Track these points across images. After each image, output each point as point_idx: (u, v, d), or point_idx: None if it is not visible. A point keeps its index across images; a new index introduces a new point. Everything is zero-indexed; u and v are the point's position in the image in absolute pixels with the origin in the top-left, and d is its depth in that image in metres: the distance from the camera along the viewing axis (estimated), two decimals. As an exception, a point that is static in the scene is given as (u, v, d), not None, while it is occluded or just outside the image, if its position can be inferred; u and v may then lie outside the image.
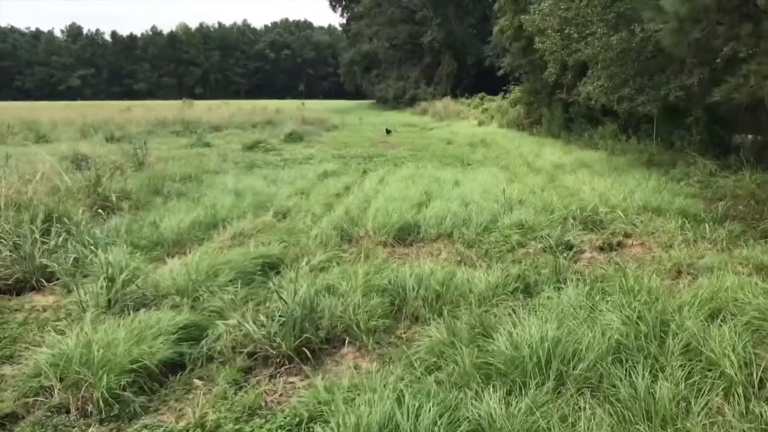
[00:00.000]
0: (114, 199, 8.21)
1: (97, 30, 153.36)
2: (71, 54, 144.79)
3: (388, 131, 28.89)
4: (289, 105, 53.78)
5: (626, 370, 3.45)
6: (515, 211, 8.02)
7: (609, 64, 12.69)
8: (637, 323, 3.99)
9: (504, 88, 35.14)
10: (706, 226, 7.14)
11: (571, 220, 7.81)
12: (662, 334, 3.91)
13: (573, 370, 3.44)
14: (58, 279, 5.65)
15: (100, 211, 7.62)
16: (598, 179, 10.98)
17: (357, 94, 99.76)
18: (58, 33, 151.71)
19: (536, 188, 10.05)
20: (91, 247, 5.87)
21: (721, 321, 4.03)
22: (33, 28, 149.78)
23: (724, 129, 14.92)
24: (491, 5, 69.01)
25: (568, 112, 23.53)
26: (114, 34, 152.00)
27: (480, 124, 34.06)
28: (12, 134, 24.35)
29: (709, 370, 3.52)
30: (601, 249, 6.87)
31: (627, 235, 7.43)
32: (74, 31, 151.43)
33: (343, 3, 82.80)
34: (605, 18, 12.73)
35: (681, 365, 3.52)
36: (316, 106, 57.06)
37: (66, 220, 6.66)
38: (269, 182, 11.06)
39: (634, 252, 6.73)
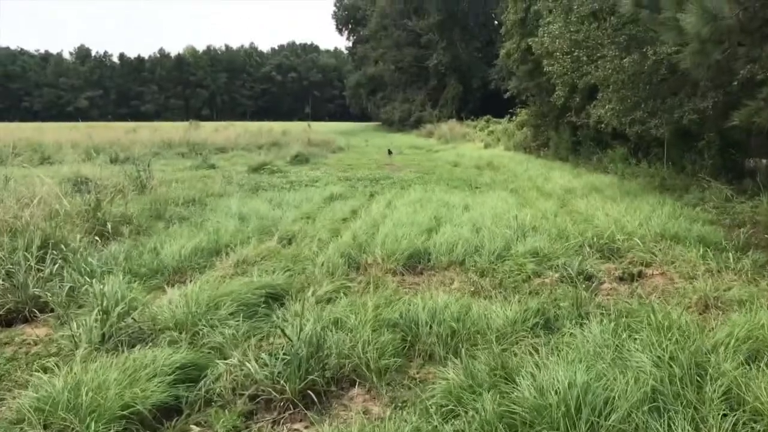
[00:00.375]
0: (114, 224, 7.95)
1: (105, 52, 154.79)
2: (79, 76, 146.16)
3: (390, 152, 28.76)
4: (295, 127, 53.79)
5: (665, 421, 3.13)
6: (529, 238, 7.73)
7: (620, 87, 12.47)
8: (670, 365, 3.68)
9: (511, 110, 35.02)
10: (730, 255, 6.82)
11: (588, 248, 7.51)
12: (698, 378, 3.60)
13: (605, 420, 3.13)
14: (52, 310, 5.38)
15: (97, 237, 7.35)
16: (611, 204, 10.70)
17: (363, 117, 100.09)
18: (66, 55, 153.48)
19: (548, 213, 9.76)
20: (87, 276, 5.60)
21: (766, 365, 3.71)
22: (42, 51, 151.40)
23: (738, 153, 14.67)
24: (497, 29, 69.65)
25: (576, 135, 23.32)
26: (122, 56, 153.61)
27: (486, 146, 33.90)
28: (15, 155, 24.30)
29: (755, 421, 3.21)
30: (621, 279, 6.56)
31: (646, 264, 7.12)
32: (83, 54, 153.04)
33: (350, 26, 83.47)
34: (616, 41, 12.54)
35: (723, 415, 3.21)
36: (322, 128, 57.04)
37: (63, 246, 6.40)
38: (274, 206, 10.81)
39: (656, 282, 6.42)
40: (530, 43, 21.18)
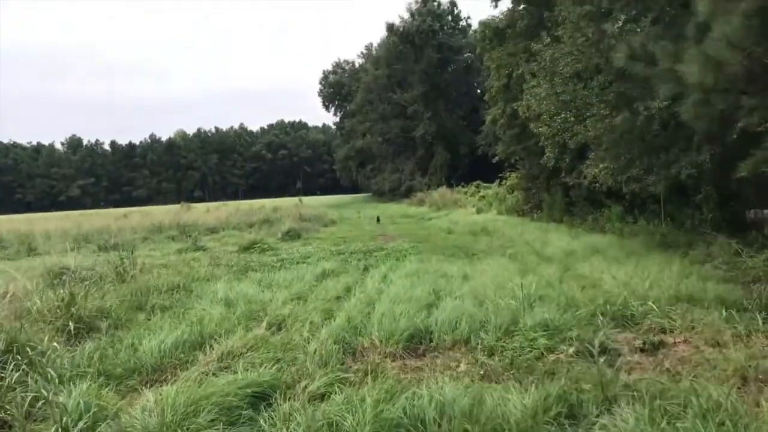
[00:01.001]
0: (90, 319, 7.39)
1: (97, 140, 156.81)
2: (71, 165, 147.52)
3: (378, 219, 29.89)
4: (286, 202, 53.77)
5: None
6: (536, 309, 7.20)
7: (613, 145, 12.23)
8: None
9: (501, 175, 35.00)
10: (757, 316, 6.31)
11: (600, 317, 6.96)
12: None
13: None
14: (11, 426, 4.76)
15: (71, 335, 6.77)
16: (616, 266, 10.22)
17: (353, 189, 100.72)
18: (58, 145, 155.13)
19: (553, 280, 9.26)
20: (54, 382, 5.01)
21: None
22: (34, 142, 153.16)
23: (738, 205, 14.37)
24: (479, 97, 70.99)
25: (569, 196, 23.11)
26: (113, 143, 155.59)
27: (478, 212, 33.65)
28: (2, 248, 23.80)
29: None
30: (642, 350, 6.00)
31: (665, 331, 6.59)
32: (74, 143, 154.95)
33: (336, 102, 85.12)
34: (605, 99, 12.40)
35: None
36: (313, 202, 57.06)
37: (29, 349, 5.81)
38: (264, 287, 10.26)
39: (681, 352, 5.86)
40: (516, 108, 21.26)
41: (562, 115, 13.60)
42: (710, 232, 12.32)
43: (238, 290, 9.64)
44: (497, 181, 38.46)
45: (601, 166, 12.35)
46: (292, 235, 23.45)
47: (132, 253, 12.38)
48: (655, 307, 7.18)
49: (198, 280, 11.19)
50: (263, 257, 16.23)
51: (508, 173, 33.35)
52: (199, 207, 58.05)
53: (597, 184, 14.23)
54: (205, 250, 19.96)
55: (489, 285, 8.97)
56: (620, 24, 10.84)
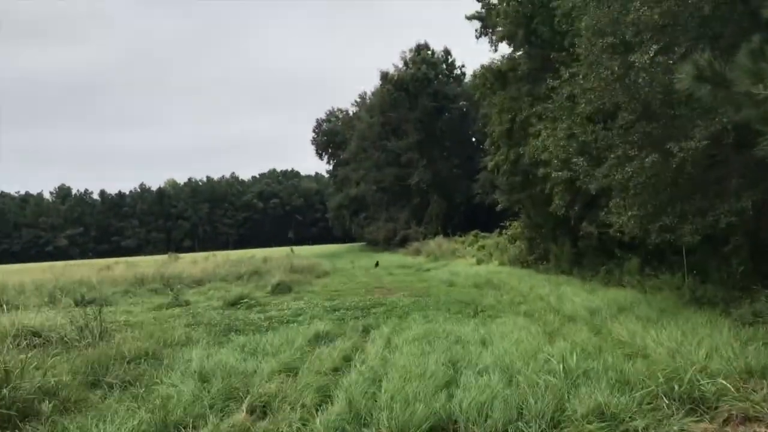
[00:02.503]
0: (27, 402, 5.91)
1: (86, 190, 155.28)
2: (59, 214, 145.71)
3: (377, 264, 27.22)
4: (277, 252, 52.25)
5: None
6: (582, 388, 5.80)
7: (641, 191, 10.99)
8: None
9: (502, 224, 33.80)
10: None
11: (664, 399, 5.56)
12: None
13: None
14: None
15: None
16: (654, 329, 8.83)
17: (347, 238, 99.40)
18: (47, 194, 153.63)
19: (588, 346, 7.84)
20: None
21: None
22: (22, 192, 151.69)
23: (771, 257, 13.10)
24: (475, 146, 70.61)
25: (577, 246, 21.83)
26: (102, 192, 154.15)
27: (479, 262, 32.27)
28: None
29: None
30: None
31: (750, 418, 5.20)
32: (63, 192, 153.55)
33: (329, 150, 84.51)
34: (629, 140, 11.23)
35: None
36: (305, 252, 55.55)
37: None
38: (247, 354, 8.79)
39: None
40: (521, 153, 20.19)
41: (576, 158, 12.39)
42: (755, 286, 10.99)
43: (216, 359, 8.17)
44: (497, 230, 37.25)
45: (630, 213, 11.07)
46: (282, 289, 21.97)
47: (100, 311, 10.85)
48: (729, 385, 5.78)
49: (172, 344, 9.69)
50: (250, 314, 14.75)
51: (509, 222, 32.18)
52: (188, 257, 56.42)
53: (620, 234, 12.92)
54: (187, 305, 18.46)
55: (514, 353, 7.56)
56: (651, 55, 9.75)
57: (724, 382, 5.87)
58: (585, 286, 16.66)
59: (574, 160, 13.85)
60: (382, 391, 6.13)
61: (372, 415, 5.55)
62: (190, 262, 41.13)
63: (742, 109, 5.23)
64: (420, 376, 6.57)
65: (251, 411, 6.08)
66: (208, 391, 6.61)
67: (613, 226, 12.83)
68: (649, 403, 5.52)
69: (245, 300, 17.22)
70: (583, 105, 11.78)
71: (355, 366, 7.61)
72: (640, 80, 10.05)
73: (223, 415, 5.97)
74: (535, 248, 26.07)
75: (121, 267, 38.09)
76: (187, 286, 26.23)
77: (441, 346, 8.47)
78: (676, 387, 5.80)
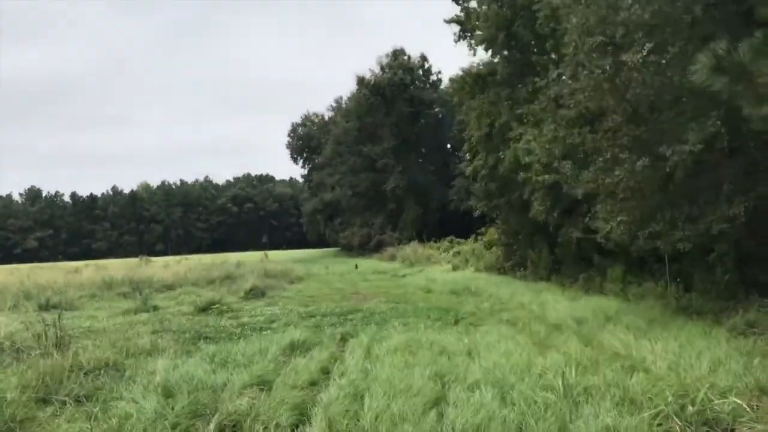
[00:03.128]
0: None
1: (57, 192, 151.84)
2: (29, 216, 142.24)
3: (356, 266, 26.89)
4: (251, 257, 51.34)
5: None
6: (584, 407, 5.31)
7: (630, 196, 10.61)
8: None
9: (478, 230, 33.45)
10: None
11: (676, 420, 5.10)
12: None
13: None
14: None
15: None
16: (646, 340, 8.42)
17: (321, 243, 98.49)
18: (16, 196, 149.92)
19: (584, 360, 7.37)
20: None
21: None
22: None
23: (757, 267, 12.82)
24: (450, 152, 70.44)
25: (555, 253, 21.51)
26: (74, 194, 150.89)
27: (455, 268, 31.84)
28: None
29: None
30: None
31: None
32: (33, 194, 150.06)
33: (304, 155, 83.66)
34: (618, 143, 10.85)
35: None
36: (279, 257, 54.69)
37: None
38: (217, 365, 8.15)
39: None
40: (502, 157, 19.82)
41: (567, 162, 11.98)
42: (741, 295, 10.69)
43: (183, 371, 7.52)
44: (473, 236, 36.90)
45: (618, 219, 10.67)
46: (255, 294, 21.29)
47: (59, 317, 10.10)
48: (743, 404, 5.35)
49: (135, 354, 9.00)
50: (221, 321, 14.09)
51: (485, 228, 31.86)
52: (160, 261, 55.17)
53: (605, 240, 12.53)
54: (156, 310, 17.68)
55: (505, 366, 7.07)
56: (644, 54, 9.38)
57: (737, 400, 5.44)
58: (565, 294, 16.32)
59: (555, 165, 13.49)
60: (365, 409, 5.57)
61: (355, 438, 5.01)
62: (162, 266, 40.05)
63: (766, 103, 4.80)
64: (406, 392, 6.03)
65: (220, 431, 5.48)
66: (172, 408, 5.98)
67: (599, 232, 12.44)
68: (659, 425, 5.05)
69: (216, 305, 16.50)
70: (570, 106, 11.38)
71: (334, 379, 7.05)
72: (632, 81, 9.67)
73: (188, 438, 5.37)
74: (511, 255, 25.71)
75: (90, 270, 36.96)
76: (157, 291, 25.38)
77: (425, 357, 7.94)
78: (690, 407, 5.32)
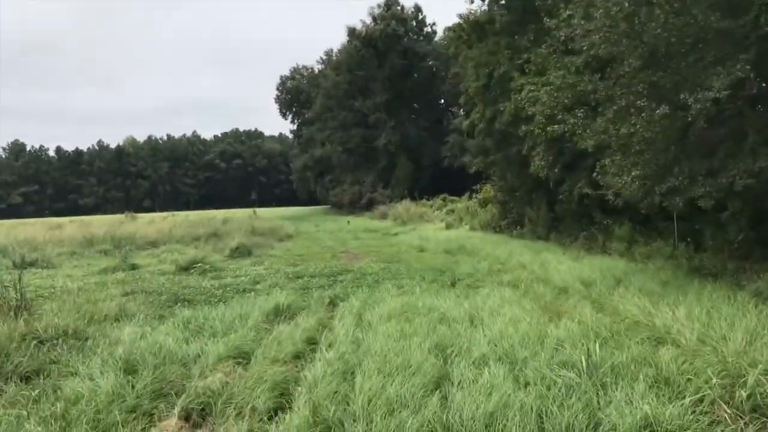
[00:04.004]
0: None
1: (41, 146, 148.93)
2: (13, 171, 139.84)
3: (348, 222, 26.35)
4: (240, 214, 50.40)
5: None
6: (615, 390, 4.50)
7: (645, 148, 9.70)
8: None
9: (474, 188, 32.57)
10: None
11: (726, 409, 4.31)
12: None
13: None
14: None
15: None
16: (664, 304, 7.63)
17: (311, 201, 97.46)
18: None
19: (601, 329, 6.56)
20: None
21: None
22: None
23: (773, 225, 12.06)
24: (444, 108, 68.99)
25: (554, 211, 20.70)
26: (59, 149, 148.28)
27: (448, 227, 31.08)
28: None
29: None
30: None
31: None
32: (17, 148, 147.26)
33: (293, 109, 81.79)
34: (633, 90, 9.88)
35: None
36: (268, 215, 53.73)
37: None
38: (192, 333, 7.31)
39: None
40: (501, 109, 18.81)
41: (580, 110, 10.96)
42: (760, 255, 9.92)
43: (151, 340, 6.67)
44: (467, 194, 36.04)
45: (632, 173, 9.77)
46: (241, 252, 20.42)
47: (20, 277, 9.16)
48: (797, 386, 4.55)
49: (101, 320, 8.13)
50: (203, 281, 13.24)
51: (480, 186, 30.99)
52: (146, 217, 54.28)
53: (615, 197, 11.65)
54: (135, 269, 16.83)
55: (513, 336, 6.25)
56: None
57: (788, 381, 4.64)
58: (567, 253, 15.55)
59: (560, 117, 12.54)
60: (356, 391, 4.74)
61: (344, 427, 4.18)
62: (147, 223, 39.15)
63: None
64: (403, 369, 5.20)
65: (185, 416, 4.67)
66: (133, 387, 5.14)
67: (609, 188, 11.56)
68: (706, 412, 4.25)
69: (199, 264, 15.62)
70: (584, 48, 10.34)
71: (321, 351, 6.21)
72: (652, 20, 8.66)
73: (148, 422, 4.54)
74: (508, 213, 24.91)
75: (73, 226, 35.87)
76: (140, 248, 24.55)
77: (423, 324, 7.11)
78: (741, 392, 4.49)
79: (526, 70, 17.58)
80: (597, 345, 5.42)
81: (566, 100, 11.17)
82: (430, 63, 63.49)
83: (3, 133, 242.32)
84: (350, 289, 11.40)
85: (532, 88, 15.80)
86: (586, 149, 13.40)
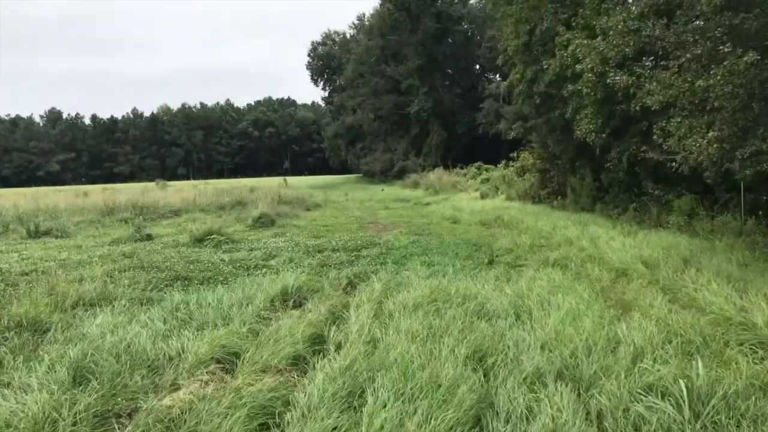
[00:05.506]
0: None
1: (77, 114, 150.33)
2: (50, 139, 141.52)
3: (382, 190, 25.17)
4: (270, 182, 49.39)
5: None
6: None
7: (724, 105, 8.03)
8: None
9: (511, 155, 30.79)
10: None
11: None
12: None
13: None
14: None
15: None
16: (762, 297, 6.11)
17: (343, 169, 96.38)
18: (37, 118, 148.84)
19: (687, 330, 5.09)
20: None
21: None
22: (13, 115, 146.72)
23: None
24: (479, 73, 66.53)
25: (600, 180, 18.96)
26: (94, 117, 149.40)
27: (483, 196, 29.45)
28: None
29: None
30: None
31: None
32: (54, 116, 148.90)
33: (325, 76, 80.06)
34: (709, 35, 8.19)
35: None
36: (299, 183, 52.64)
37: None
38: (178, 324, 6.06)
39: None
40: (545, 67, 17.03)
41: (647, 59, 9.27)
42: None
43: (124, 333, 5.43)
44: (503, 162, 34.27)
45: (710, 135, 8.13)
46: (264, 222, 19.23)
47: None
48: None
49: (74, 305, 6.91)
50: (214, 255, 12.04)
51: (518, 153, 29.22)
52: (177, 185, 53.80)
53: (676, 165, 9.99)
54: (149, 239, 15.79)
55: (574, 338, 4.83)
56: None
57: None
58: (617, 228, 13.90)
59: (612, 74, 10.87)
60: (366, 424, 3.39)
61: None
62: (176, 191, 38.41)
63: None
64: (430, 391, 3.84)
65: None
66: (72, 405, 3.89)
67: (673, 153, 9.91)
68: None
69: (214, 236, 14.42)
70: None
71: (327, 356, 4.88)
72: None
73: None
74: (548, 182, 23.21)
75: (100, 194, 35.25)
76: (162, 217, 23.70)
77: (456, 318, 5.73)
78: None
79: (573, 24, 15.79)
80: (699, 362, 3.95)
81: (627, 49, 9.47)
82: (465, 27, 61.05)
83: (40, 101, 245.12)
84: (373, 266, 10.07)
85: (580, 42, 14.10)
86: (637, 111, 11.79)
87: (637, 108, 11.50)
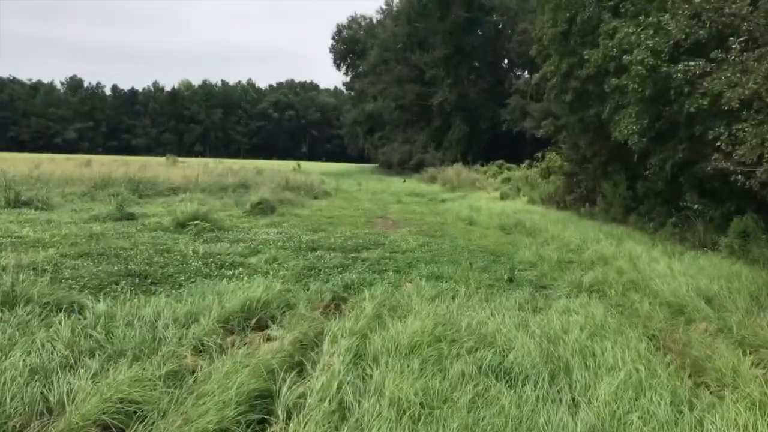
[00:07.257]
0: None
1: (98, 83, 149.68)
2: (69, 106, 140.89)
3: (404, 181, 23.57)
4: (283, 166, 47.84)
5: None
6: None
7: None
8: None
9: (536, 155, 28.90)
10: None
11: None
12: None
13: None
14: None
15: None
16: None
17: (360, 158, 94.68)
18: (58, 85, 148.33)
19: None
20: None
21: None
22: (34, 80, 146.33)
23: None
24: (507, 69, 64.34)
25: (633, 188, 17.09)
26: (115, 87, 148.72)
27: (503, 197, 27.60)
28: None
29: None
30: None
31: None
32: (74, 84, 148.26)
33: (348, 60, 78.19)
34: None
35: None
36: (314, 169, 51.03)
37: None
38: (89, 350, 4.42)
39: None
40: (585, 57, 15.17)
41: (734, 41, 7.43)
42: None
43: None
44: (527, 162, 32.37)
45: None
46: (263, 209, 17.63)
47: None
48: None
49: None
50: (190, 246, 10.41)
51: (544, 152, 27.33)
52: (189, 161, 52.41)
53: (743, 178, 8.17)
54: (131, 219, 14.28)
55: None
56: None
57: None
58: (657, 246, 12.07)
59: (664, 65, 9.06)
60: None
61: None
62: (183, 167, 36.95)
63: None
64: None
65: None
66: None
67: (742, 164, 8.10)
68: None
69: (197, 222, 12.80)
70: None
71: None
72: None
73: None
74: (575, 186, 21.33)
75: (109, 166, 33.72)
76: (158, 195, 22.21)
77: (465, 379, 4.04)
78: None
79: (622, 10, 13.94)
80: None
81: (702, 31, 7.65)
82: (496, 18, 58.90)
83: (61, 67, 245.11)
84: (371, 275, 8.40)
85: (629, 31, 12.30)
86: (692, 112, 10.01)
87: (692, 109, 9.74)
